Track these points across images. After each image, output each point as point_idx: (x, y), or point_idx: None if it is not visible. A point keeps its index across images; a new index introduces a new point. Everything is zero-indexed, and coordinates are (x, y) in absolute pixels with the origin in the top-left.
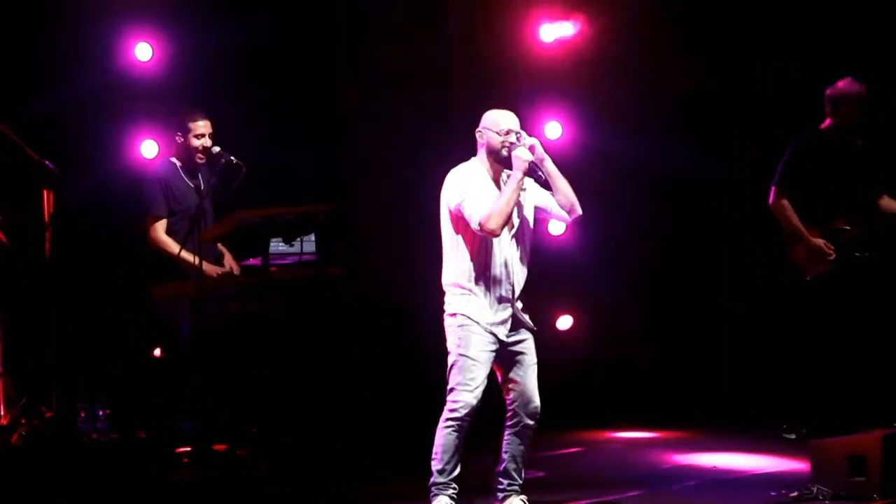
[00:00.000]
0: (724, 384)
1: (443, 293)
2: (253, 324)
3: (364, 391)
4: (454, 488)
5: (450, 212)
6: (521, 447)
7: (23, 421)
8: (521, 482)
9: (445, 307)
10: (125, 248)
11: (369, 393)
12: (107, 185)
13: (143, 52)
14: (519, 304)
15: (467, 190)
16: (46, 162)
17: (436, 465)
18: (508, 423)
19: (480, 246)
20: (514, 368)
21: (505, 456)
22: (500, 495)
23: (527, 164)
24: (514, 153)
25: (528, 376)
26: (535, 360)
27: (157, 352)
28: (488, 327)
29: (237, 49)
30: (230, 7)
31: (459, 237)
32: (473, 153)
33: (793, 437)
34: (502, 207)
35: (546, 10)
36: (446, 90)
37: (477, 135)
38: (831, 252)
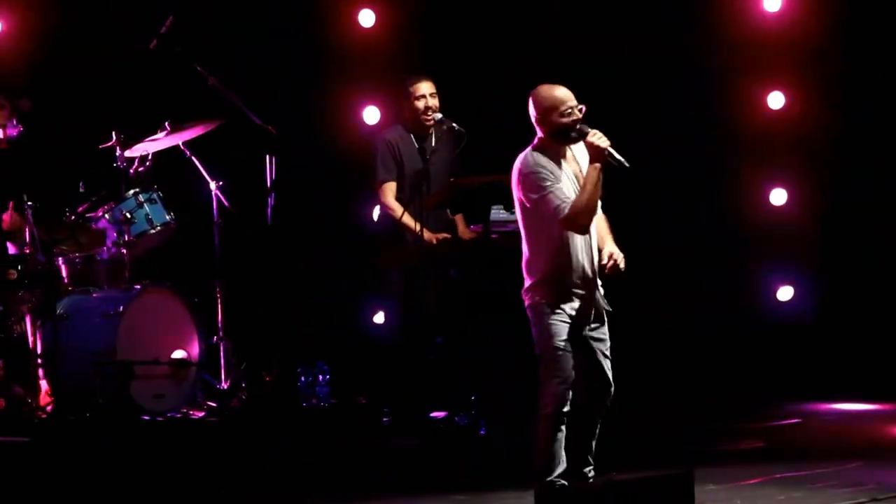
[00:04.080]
0: None
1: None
2: (472, 290)
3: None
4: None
5: (531, 199)
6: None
7: (243, 385)
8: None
9: (526, 296)
10: (348, 213)
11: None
12: (330, 151)
13: (366, 18)
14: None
15: (548, 180)
16: (269, 127)
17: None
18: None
19: (560, 230)
20: (593, 357)
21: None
22: None
23: (605, 152)
24: (589, 138)
25: (603, 365)
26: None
27: (378, 318)
28: (569, 313)
29: (461, 13)
30: None
31: (542, 224)
32: (693, 115)
33: None
34: (587, 202)
35: None
36: (667, 61)
37: (536, 119)
38: None
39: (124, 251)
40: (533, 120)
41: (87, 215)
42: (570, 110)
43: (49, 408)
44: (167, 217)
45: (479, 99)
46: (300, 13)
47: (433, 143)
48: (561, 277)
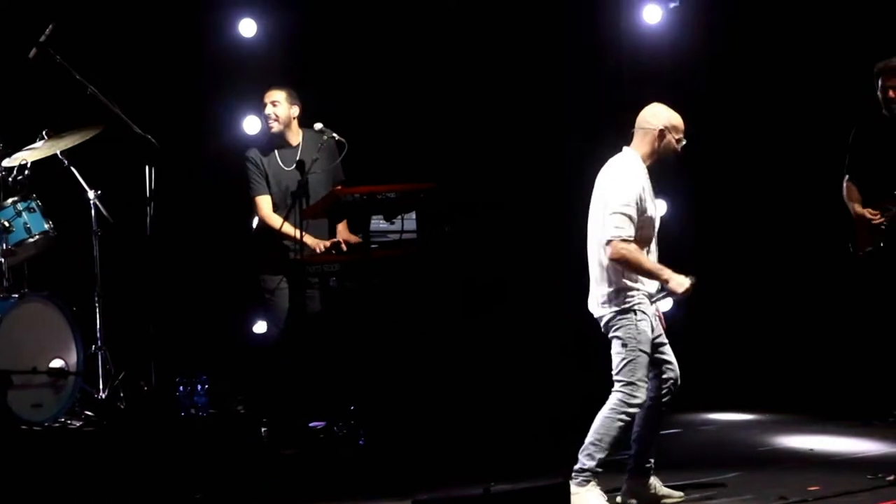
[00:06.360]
0: (822, 366)
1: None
2: (353, 300)
3: (460, 367)
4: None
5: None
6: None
7: (121, 395)
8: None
9: (611, 302)
10: (227, 224)
11: (464, 369)
12: (209, 161)
13: (247, 27)
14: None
15: (629, 203)
16: (149, 137)
17: (598, 454)
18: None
19: (644, 239)
20: (663, 352)
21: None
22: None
23: (673, 293)
24: (685, 280)
25: (674, 363)
26: None
27: (258, 327)
28: (654, 319)
29: (343, 23)
30: None
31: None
32: (571, 125)
33: None
34: (639, 268)
35: None
36: (547, 72)
37: (657, 132)
38: (876, 216)
39: (2, 260)
40: (644, 128)
41: None
42: (683, 137)
43: None
44: (46, 226)
45: (361, 108)
46: (181, 22)
47: (300, 153)
48: (636, 284)
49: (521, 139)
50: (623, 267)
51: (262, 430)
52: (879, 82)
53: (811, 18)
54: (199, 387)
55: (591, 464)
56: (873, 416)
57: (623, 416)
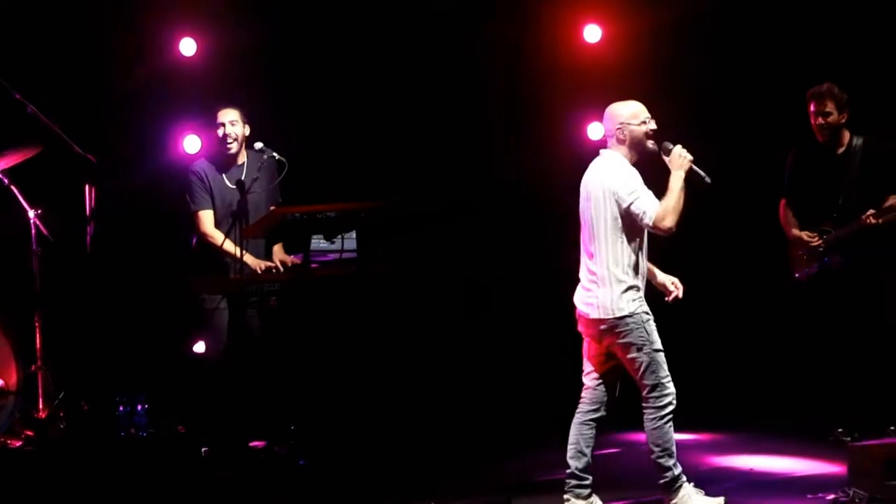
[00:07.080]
0: (762, 387)
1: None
2: (292, 320)
3: (401, 388)
4: None
5: (619, 207)
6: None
7: (61, 415)
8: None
9: (611, 307)
10: (167, 243)
11: (405, 389)
12: (149, 180)
13: (187, 47)
14: None
15: (636, 188)
16: (89, 156)
17: (670, 460)
18: (594, 418)
19: (640, 242)
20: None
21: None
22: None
23: (689, 164)
24: (674, 152)
25: None
26: None
27: (198, 347)
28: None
29: (283, 42)
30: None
31: (624, 234)
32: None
33: (847, 440)
34: (675, 205)
35: (588, 11)
36: (489, 91)
37: (618, 129)
38: (813, 239)
39: None
40: (609, 133)
41: None
42: (647, 121)
43: None
44: None
45: (300, 127)
46: (121, 41)
47: (245, 172)
48: (638, 284)
49: (461, 161)
50: (678, 224)
51: (203, 449)
52: (810, 108)
53: (752, 39)
54: (138, 406)
55: (675, 472)
56: (814, 437)
57: (666, 418)
